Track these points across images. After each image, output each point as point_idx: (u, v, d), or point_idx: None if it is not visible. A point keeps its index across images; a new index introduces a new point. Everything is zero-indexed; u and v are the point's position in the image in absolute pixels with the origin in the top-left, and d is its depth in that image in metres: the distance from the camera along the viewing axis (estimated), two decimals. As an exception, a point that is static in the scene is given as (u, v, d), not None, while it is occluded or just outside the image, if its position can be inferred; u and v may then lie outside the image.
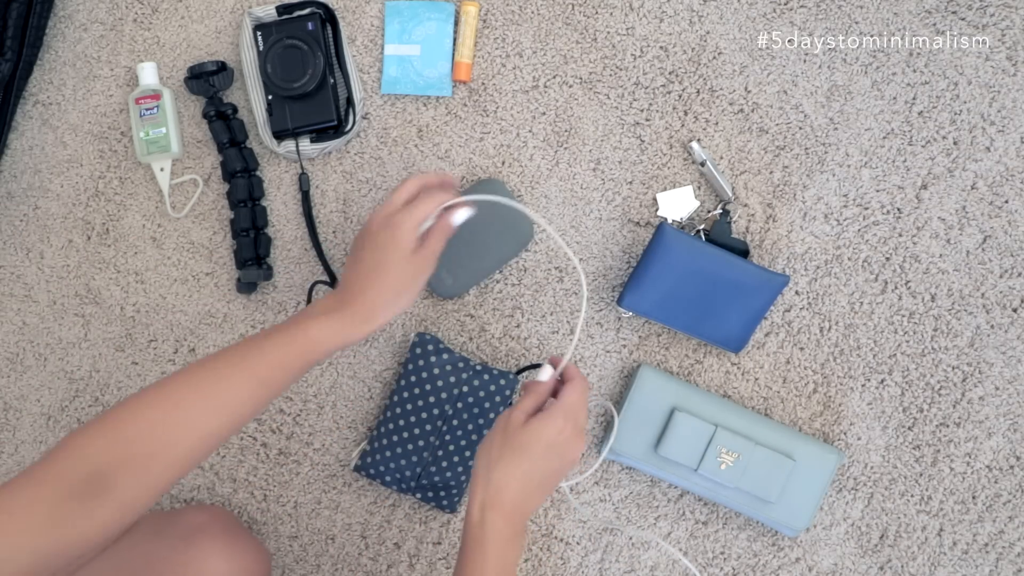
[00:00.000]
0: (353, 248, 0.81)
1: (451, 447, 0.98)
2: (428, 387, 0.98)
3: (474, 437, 0.98)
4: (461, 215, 0.81)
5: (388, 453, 0.99)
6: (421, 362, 0.98)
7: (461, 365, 0.98)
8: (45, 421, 1.07)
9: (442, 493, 1.00)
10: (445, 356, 0.98)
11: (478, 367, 0.98)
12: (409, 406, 0.98)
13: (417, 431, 0.98)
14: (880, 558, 1.00)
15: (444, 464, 0.98)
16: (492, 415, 0.98)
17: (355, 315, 0.75)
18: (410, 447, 0.98)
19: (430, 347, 0.98)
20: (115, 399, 1.06)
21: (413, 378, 0.98)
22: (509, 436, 0.72)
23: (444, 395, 0.97)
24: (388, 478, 0.99)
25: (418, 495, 1.00)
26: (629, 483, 1.02)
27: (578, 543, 1.02)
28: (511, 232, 0.96)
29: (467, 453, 0.99)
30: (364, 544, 1.04)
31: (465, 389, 0.97)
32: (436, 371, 0.97)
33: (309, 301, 1.03)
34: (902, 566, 1.00)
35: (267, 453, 1.05)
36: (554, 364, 0.79)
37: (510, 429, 0.72)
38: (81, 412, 1.07)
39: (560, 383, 0.79)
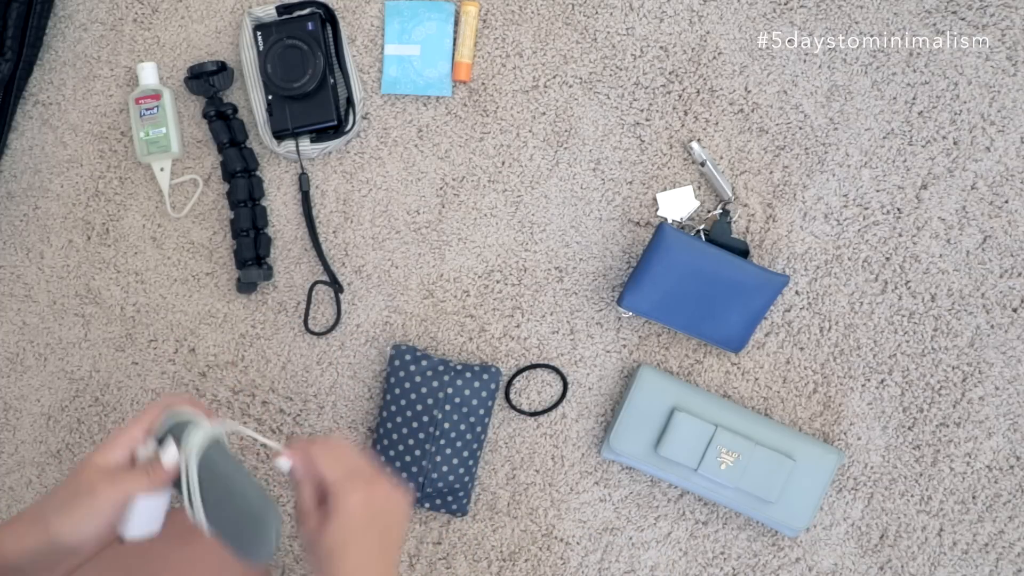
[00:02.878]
0: None
1: (448, 450, 0.98)
2: (413, 396, 0.98)
3: (468, 437, 0.98)
4: (169, 456, 0.65)
5: (388, 470, 0.99)
6: (402, 373, 0.98)
7: (441, 368, 0.98)
8: (45, 421, 1.07)
9: (450, 498, 1.00)
10: (424, 363, 0.98)
11: (458, 367, 0.98)
12: (399, 419, 0.98)
13: (412, 442, 0.98)
14: (880, 558, 1.00)
15: (444, 469, 0.98)
16: (481, 411, 0.98)
17: (36, 516, 0.62)
18: (408, 459, 0.98)
19: (408, 357, 0.98)
20: (115, 399, 1.06)
21: (397, 391, 0.98)
22: (314, 550, 0.63)
23: (430, 401, 0.97)
24: None
25: (427, 505, 1.00)
26: (629, 483, 1.02)
27: (578, 543, 1.02)
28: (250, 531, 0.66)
29: (464, 454, 0.99)
30: (364, 544, 1.04)
31: (450, 391, 0.97)
32: (418, 379, 0.98)
33: (309, 301, 1.03)
34: (902, 566, 1.00)
35: (267, 453, 1.05)
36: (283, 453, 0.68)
37: (309, 541, 0.64)
38: (81, 412, 1.07)
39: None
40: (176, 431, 0.66)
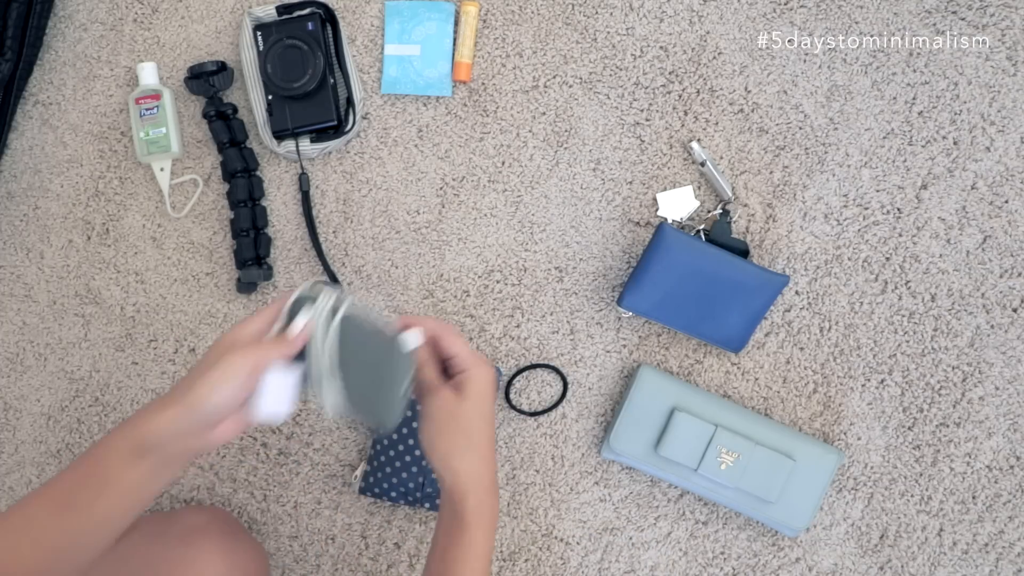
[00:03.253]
0: None
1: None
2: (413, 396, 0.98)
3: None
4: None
5: (388, 469, 0.99)
6: None
7: None
8: (45, 421, 1.07)
9: None
10: None
11: None
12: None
13: (411, 441, 0.98)
14: (880, 558, 1.00)
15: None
16: None
17: (174, 392, 0.65)
18: (408, 459, 0.98)
19: None
20: (115, 399, 1.06)
21: None
22: (450, 420, 0.69)
23: None
24: (394, 493, 0.99)
25: (426, 505, 1.00)
26: (629, 483, 1.02)
27: (578, 543, 1.02)
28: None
29: (467, 453, 0.99)
30: (364, 544, 1.04)
31: None
32: None
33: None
34: (902, 566, 1.00)
35: (267, 453, 1.05)
36: (407, 325, 0.70)
37: (445, 411, 0.69)
38: (81, 412, 1.07)
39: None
40: (306, 303, 0.67)
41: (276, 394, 0.65)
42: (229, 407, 0.63)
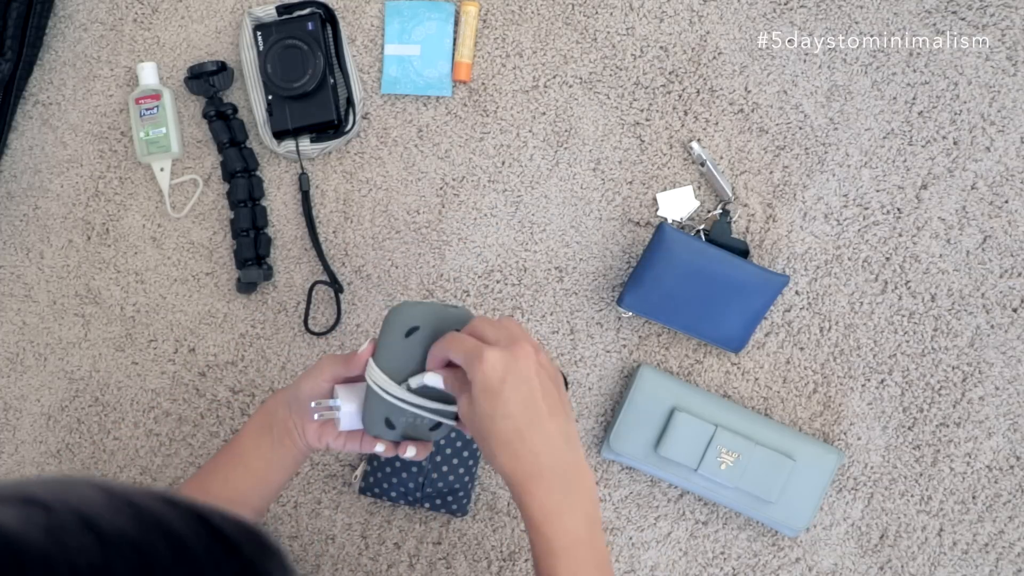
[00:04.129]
0: None
1: (448, 450, 0.98)
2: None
3: (468, 436, 0.98)
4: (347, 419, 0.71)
5: (388, 469, 0.99)
6: None
7: None
8: (45, 421, 1.07)
9: (450, 498, 1.00)
10: None
11: None
12: None
13: None
14: (880, 558, 1.00)
15: (444, 468, 0.98)
16: None
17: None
18: (408, 459, 0.98)
19: None
20: (115, 399, 1.06)
21: None
22: (471, 427, 0.65)
23: None
24: (394, 493, 0.99)
25: (427, 505, 1.00)
26: (629, 483, 1.02)
27: (578, 543, 1.02)
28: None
29: (464, 454, 0.99)
30: (364, 544, 1.04)
31: None
32: None
33: (309, 301, 1.03)
34: (902, 566, 1.00)
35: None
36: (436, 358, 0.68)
37: (465, 419, 0.65)
38: (81, 412, 1.07)
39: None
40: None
41: (349, 407, 0.72)
42: (310, 395, 0.72)
